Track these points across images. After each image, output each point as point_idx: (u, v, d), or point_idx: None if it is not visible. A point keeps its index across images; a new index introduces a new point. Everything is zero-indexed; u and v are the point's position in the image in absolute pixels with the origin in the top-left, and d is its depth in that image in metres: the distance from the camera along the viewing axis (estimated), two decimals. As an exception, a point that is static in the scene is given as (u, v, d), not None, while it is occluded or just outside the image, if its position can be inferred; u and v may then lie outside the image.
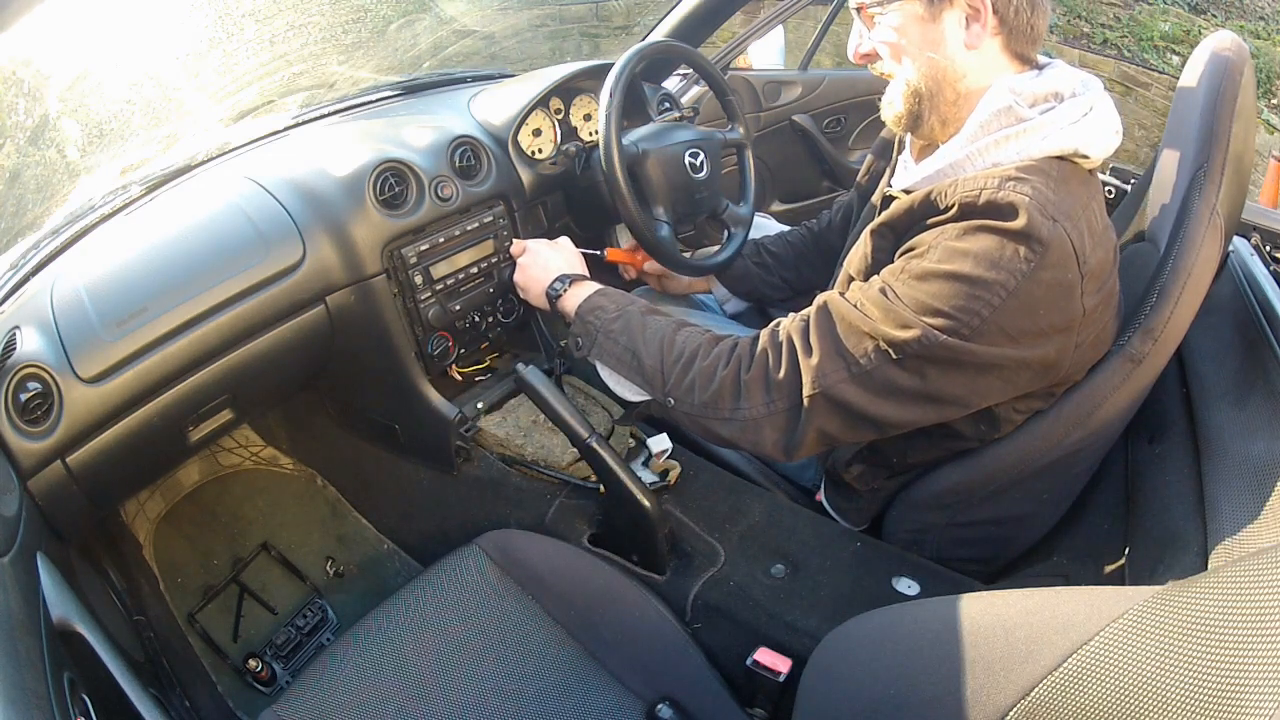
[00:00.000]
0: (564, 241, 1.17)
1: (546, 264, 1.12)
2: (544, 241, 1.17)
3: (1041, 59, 0.83)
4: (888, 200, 0.89)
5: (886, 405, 0.77)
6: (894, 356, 0.75)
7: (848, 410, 0.78)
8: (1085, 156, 0.77)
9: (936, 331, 0.73)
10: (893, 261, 0.80)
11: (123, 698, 0.67)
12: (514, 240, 1.20)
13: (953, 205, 0.75)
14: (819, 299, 0.82)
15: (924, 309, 0.73)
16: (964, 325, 0.72)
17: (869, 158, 1.17)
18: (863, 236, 0.87)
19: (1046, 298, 0.72)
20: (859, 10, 0.84)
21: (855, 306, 0.78)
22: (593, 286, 1.04)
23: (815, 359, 0.78)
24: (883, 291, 0.77)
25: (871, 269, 0.84)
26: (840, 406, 0.78)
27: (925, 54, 0.79)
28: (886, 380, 0.76)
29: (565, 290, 1.05)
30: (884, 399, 0.77)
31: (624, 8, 4.17)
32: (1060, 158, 0.76)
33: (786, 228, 1.42)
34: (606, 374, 0.99)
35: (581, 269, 1.11)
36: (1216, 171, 0.84)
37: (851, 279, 0.87)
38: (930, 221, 0.77)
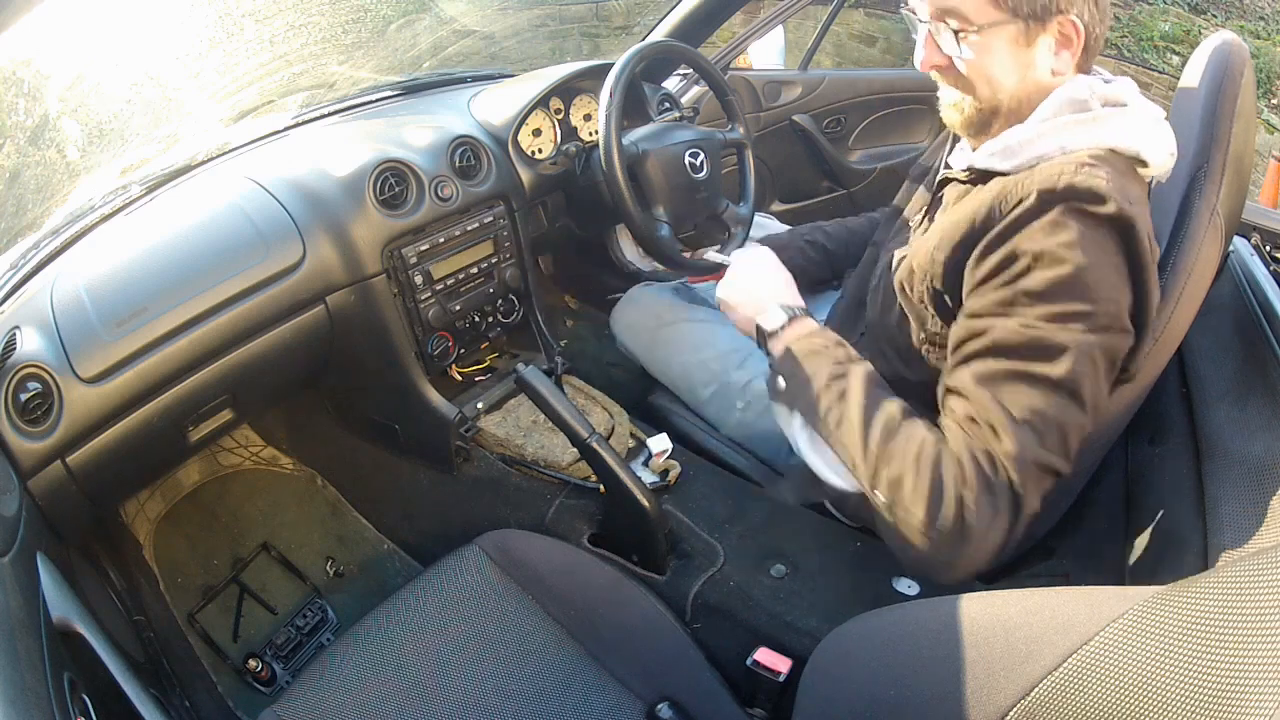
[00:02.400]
0: (772, 260, 1.00)
1: (761, 285, 0.95)
2: (760, 254, 1.01)
3: (1105, 74, 0.81)
4: (942, 185, 0.87)
5: (1075, 439, 0.71)
6: (1068, 387, 0.69)
7: (1055, 470, 0.71)
8: (1144, 164, 0.76)
9: (1088, 336, 0.68)
10: (969, 261, 0.75)
11: (123, 698, 0.67)
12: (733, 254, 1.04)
13: (1029, 196, 0.71)
14: (962, 382, 0.73)
15: (1062, 320, 0.68)
16: (1101, 316, 0.69)
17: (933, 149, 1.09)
18: (933, 230, 0.82)
19: (1144, 271, 0.71)
20: (938, 21, 0.77)
21: (1010, 369, 0.70)
22: (803, 327, 0.88)
23: (1013, 442, 0.68)
24: (1023, 328, 0.69)
25: (945, 269, 0.78)
26: (1049, 471, 0.71)
27: (1013, 77, 0.77)
28: (1074, 410, 0.70)
29: (775, 334, 0.89)
30: (1075, 435, 0.71)
31: (624, 8, 4.17)
32: (1123, 156, 0.75)
33: (787, 228, 1.42)
34: (800, 435, 0.83)
35: (797, 299, 0.94)
36: (1216, 171, 0.84)
37: (913, 272, 0.83)
38: (1011, 220, 0.71)
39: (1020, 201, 0.71)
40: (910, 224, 0.97)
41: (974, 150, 0.84)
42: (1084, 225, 0.69)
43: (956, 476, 0.69)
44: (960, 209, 0.78)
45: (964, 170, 0.83)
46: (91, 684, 0.66)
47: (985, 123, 0.81)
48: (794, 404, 0.84)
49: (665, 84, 1.60)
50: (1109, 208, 0.68)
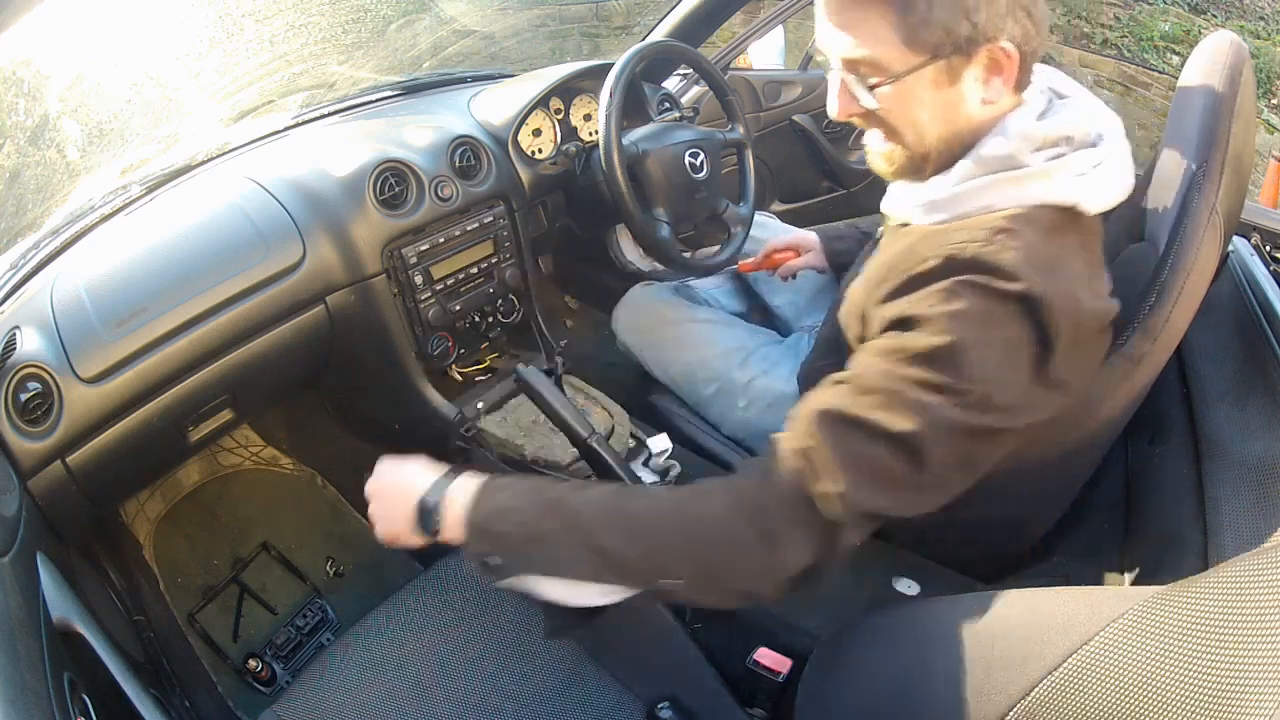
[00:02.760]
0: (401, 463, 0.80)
1: (400, 486, 0.76)
2: (386, 465, 0.80)
3: (1064, 88, 0.76)
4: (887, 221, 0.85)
5: (909, 495, 0.67)
6: (908, 447, 0.64)
7: (878, 515, 0.67)
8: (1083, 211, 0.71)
9: (948, 411, 0.64)
10: (875, 319, 0.72)
11: (123, 698, 0.67)
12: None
13: (936, 258, 0.67)
14: (811, 407, 0.68)
15: (927, 387, 0.64)
16: (971, 395, 0.64)
17: None
18: (861, 275, 0.79)
19: (1047, 347, 0.66)
20: (849, 73, 0.71)
21: (855, 412, 0.65)
22: (471, 483, 0.72)
23: (837, 483, 0.64)
24: (884, 375, 0.66)
25: (857, 320, 0.77)
26: (871, 516, 0.67)
27: (939, 117, 0.71)
28: (914, 475, 0.65)
29: (440, 505, 0.72)
30: (908, 491, 0.66)
31: (624, 8, 4.17)
32: (1055, 208, 0.69)
33: (790, 227, 1.42)
34: (550, 585, 0.70)
35: (435, 471, 0.76)
36: (1216, 171, 0.84)
37: (848, 313, 0.80)
38: (911, 277, 0.69)
39: (926, 260, 0.68)
40: (867, 253, 0.94)
41: (909, 184, 0.80)
42: (981, 300, 0.64)
43: (758, 515, 0.65)
44: (882, 256, 0.75)
45: (898, 221, 0.80)
46: (91, 684, 0.66)
47: (918, 168, 0.75)
48: (520, 568, 0.70)
49: (665, 84, 1.60)
50: (1015, 285, 0.63)
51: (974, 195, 0.70)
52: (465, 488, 0.72)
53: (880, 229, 0.89)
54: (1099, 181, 0.70)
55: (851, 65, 0.70)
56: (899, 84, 0.68)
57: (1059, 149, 0.70)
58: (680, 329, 1.28)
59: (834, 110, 0.74)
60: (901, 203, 0.78)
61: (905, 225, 0.78)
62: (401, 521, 0.74)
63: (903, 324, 0.68)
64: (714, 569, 0.66)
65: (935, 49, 0.66)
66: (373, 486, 0.78)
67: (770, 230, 1.49)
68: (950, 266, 0.66)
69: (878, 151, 0.77)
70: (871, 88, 0.70)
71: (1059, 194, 0.69)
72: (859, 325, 0.78)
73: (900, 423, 0.63)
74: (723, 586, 0.67)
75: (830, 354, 0.97)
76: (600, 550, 0.67)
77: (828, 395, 0.68)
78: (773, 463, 0.67)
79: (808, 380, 1.09)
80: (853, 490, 0.63)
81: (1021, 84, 0.71)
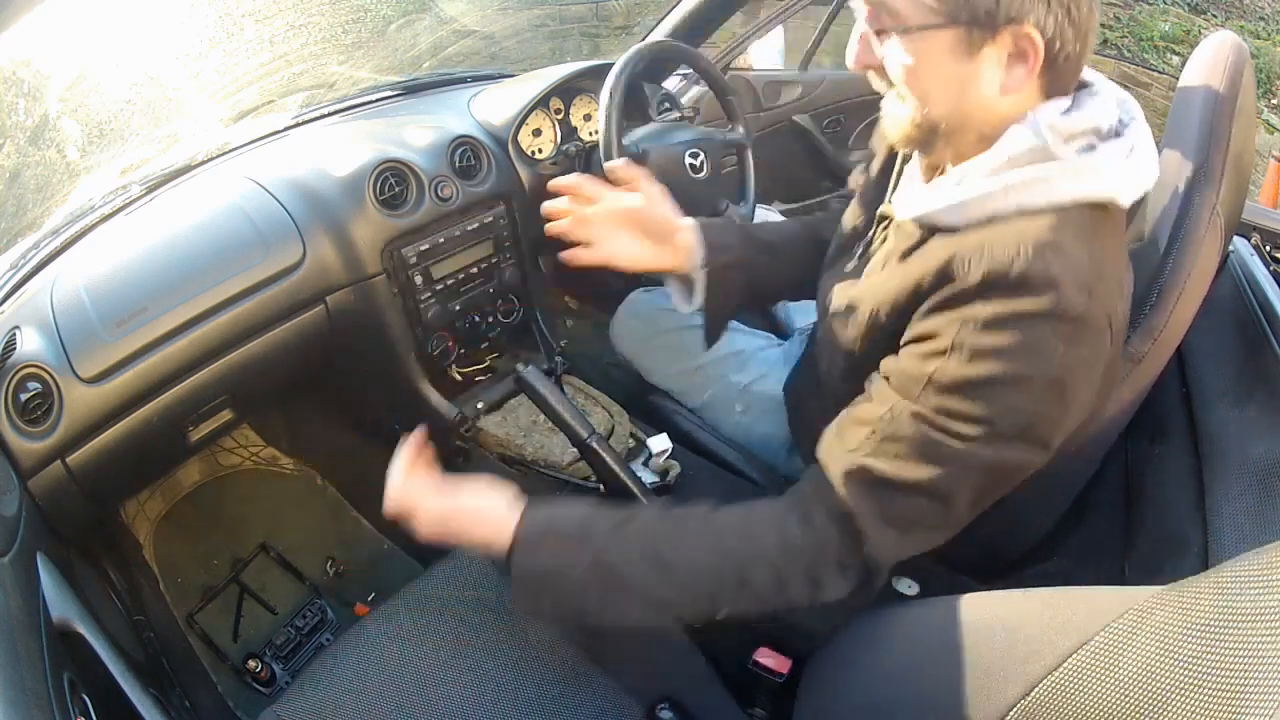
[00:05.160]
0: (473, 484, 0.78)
1: (466, 516, 0.76)
2: (458, 487, 0.77)
3: (1085, 76, 0.71)
4: (883, 220, 0.80)
5: (940, 535, 0.71)
6: (942, 494, 0.66)
7: (915, 550, 0.71)
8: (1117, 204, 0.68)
9: (978, 449, 0.64)
10: (906, 330, 0.69)
11: (123, 698, 0.67)
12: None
13: (975, 276, 0.63)
14: (843, 466, 0.69)
15: (958, 419, 0.64)
16: (1009, 427, 0.64)
17: (857, 173, 0.98)
18: (878, 287, 0.75)
19: (1082, 374, 0.65)
20: (871, 17, 0.68)
21: (890, 473, 0.66)
22: (516, 530, 0.72)
23: (875, 543, 0.68)
24: (915, 418, 0.66)
25: (886, 335, 0.73)
26: (901, 556, 0.71)
27: (950, 92, 0.67)
28: (946, 518, 0.69)
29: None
30: (941, 532, 0.70)
31: (624, 8, 4.17)
32: (1089, 206, 0.66)
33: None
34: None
35: (498, 503, 0.75)
36: (1216, 171, 0.84)
37: (856, 324, 0.77)
38: (950, 295, 0.65)
39: (963, 282, 0.64)
40: (852, 247, 0.88)
41: (925, 182, 0.76)
42: (1024, 328, 0.62)
43: (806, 562, 0.69)
44: (905, 271, 0.71)
45: (913, 220, 0.74)
46: (91, 684, 0.66)
47: (925, 140, 0.71)
48: (583, 619, 0.74)
49: (665, 84, 1.60)
50: (1053, 301, 0.61)
51: (1003, 194, 0.66)
52: (512, 534, 0.72)
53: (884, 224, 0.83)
54: (1132, 170, 0.67)
55: (874, 13, 0.68)
56: (914, 42, 0.65)
57: (1089, 140, 0.67)
58: (677, 336, 1.27)
59: (850, 59, 0.72)
60: (919, 201, 0.73)
61: (921, 227, 0.73)
62: (456, 541, 0.76)
63: (934, 344, 0.65)
64: (761, 604, 0.71)
65: (953, 13, 0.63)
66: (438, 506, 0.76)
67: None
68: (993, 285, 0.63)
69: (886, 113, 0.73)
70: (882, 34, 0.67)
71: (1096, 189, 0.65)
72: (876, 346, 0.74)
73: (933, 473, 0.65)
74: (765, 612, 0.72)
75: (814, 367, 0.93)
76: (655, 602, 0.71)
77: (857, 445, 0.68)
78: (816, 511, 0.69)
79: (794, 396, 1.07)
80: (894, 546, 0.68)
81: (1052, 87, 0.67)
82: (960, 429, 0.64)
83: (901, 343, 0.70)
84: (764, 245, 1.02)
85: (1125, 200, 0.67)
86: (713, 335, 1.04)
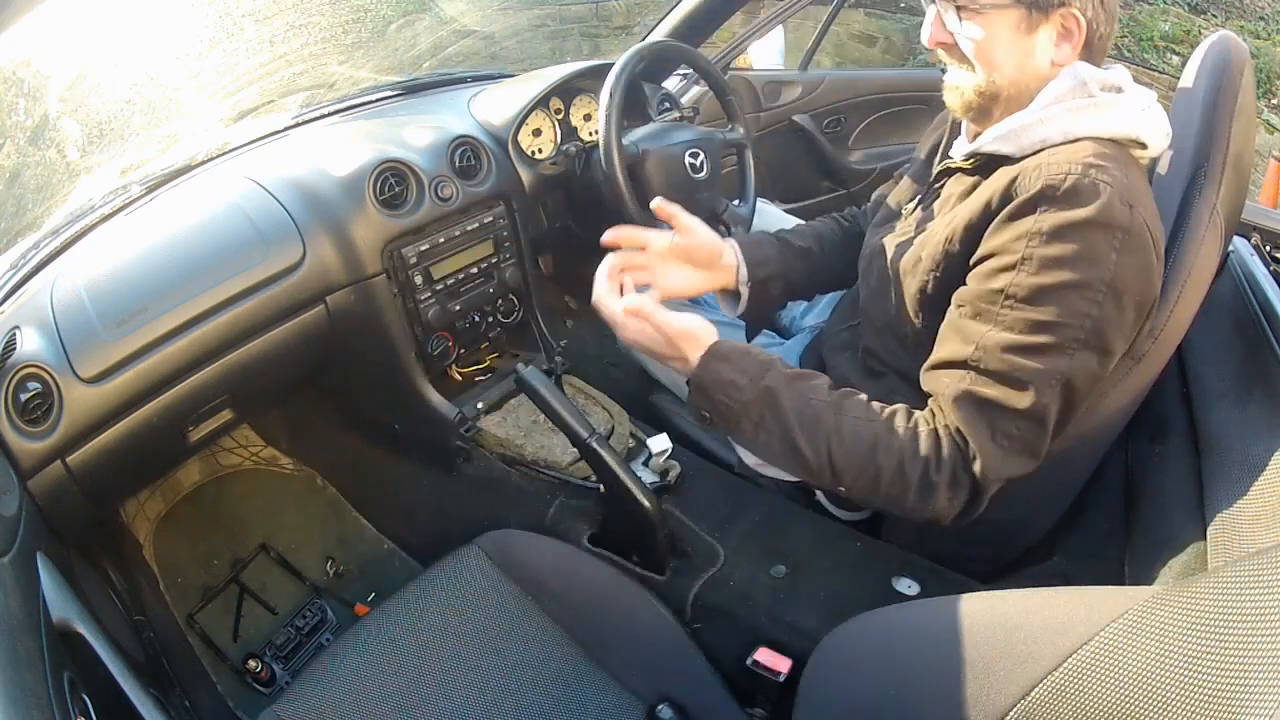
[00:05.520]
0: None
1: (678, 339, 0.86)
2: (650, 307, 0.88)
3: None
4: (942, 175, 0.88)
5: (1033, 458, 0.78)
6: (1038, 415, 0.75)
7: (1016, 475, 0.79)
8: (1143, 147, 0.78)
9: (1056, 361, 0.73)
10: (973, 253, 0.78)
11: (123, 698, 0.67)
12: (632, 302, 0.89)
13: (1034, 190, 0.73)
14: (949, 396, 0.77)
15: (1037, 330, 0.73)
16: (1080, 331, 0.72)
17: (925, 140, 1.03)
18: (944, 222, 0.83)
19: (1135, 282, 0.73)
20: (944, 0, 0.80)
21: (991, 396, 0.75)
22: (708, 344, 0.85)
23: (986, 459, 0.76)
24: (999, 346, 0.74)
25: (958, 262, 0.81)
26: (1012, 476, 0.79)
27: (1012, 62, 0.79)
28: (1040, 433, 0.76)
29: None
30: (1037, 452, 0.78)
31: (624, 8, 4.17)
32: (1121, 144, 0.77)
33: (791, 216, 1.41)
34: (744, 450, 0.93)
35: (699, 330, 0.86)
36: (1216, 171, 0.84)
37: (919, 260, 0.85)
38: (1012, 210, 0.75)
39: (1025, 194, 0.74)
40: (902, 211, 0.97)
41: (973, 140, 0.86)
42: (1080, 237, 0.71)
43: (926, 466, 0.78)
44: (973, 201, 0.80)
45: (967, 158, 0.84)
46: (91, 684, 0.66)
47: (985, 108, 0.82)
48: (727, 429, 0.86)
49: (665, 84, 1.60)
50: (1103, 212, 0.70)
51: (1052, 121, 0.77)
52: (704, 348, 0.85)
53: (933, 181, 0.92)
54: (1154, 119, 0.78)
55: None
56: (984, 19, 0.77)
57: (1117, 92, 0.78)
58: None
59: (925, 35, 0.83)
60: (979, 140, 0.83)
61: (976, 174, 0.83)
62: (656, 353, 0.89)
63: (1005, 258, 0.74)
64: (878, 491, 0.80)
65: None
66: (663, 322, 0.86)
67: (769, 218, 1.49)
68: (1049, 197, 0.72)
69: (953, 84, 0.84)
70: (960, 15, 0.79)
71: (1126, 125, 0.76)
72: (948, 272, 0.82)
73: (1024, 399, 0.74)
74: (878, 502, 0.82)
75: (852, 316, 1.04)
76: (793, 447, 0.81)
77: (957, 386, 0.78)
78: (939, 428, 0.78)
79: (828, 341, 1.10)
80: (1000, 465, 0.76)
81: (1088, 62, 0.79)
82: (1038, 340, 0.73)
83: (971, 263, 0.78)
84: (800, 252, 1.12)
85: (1149, 140, 0.78)
86: (751, 335, 1.19)
